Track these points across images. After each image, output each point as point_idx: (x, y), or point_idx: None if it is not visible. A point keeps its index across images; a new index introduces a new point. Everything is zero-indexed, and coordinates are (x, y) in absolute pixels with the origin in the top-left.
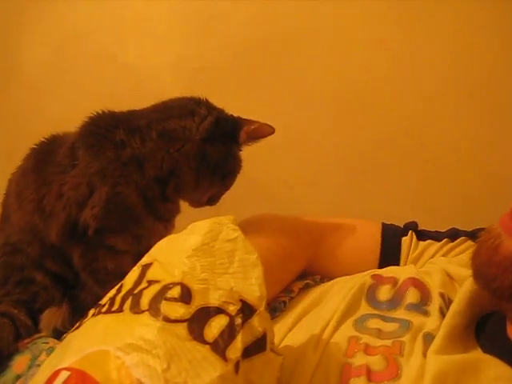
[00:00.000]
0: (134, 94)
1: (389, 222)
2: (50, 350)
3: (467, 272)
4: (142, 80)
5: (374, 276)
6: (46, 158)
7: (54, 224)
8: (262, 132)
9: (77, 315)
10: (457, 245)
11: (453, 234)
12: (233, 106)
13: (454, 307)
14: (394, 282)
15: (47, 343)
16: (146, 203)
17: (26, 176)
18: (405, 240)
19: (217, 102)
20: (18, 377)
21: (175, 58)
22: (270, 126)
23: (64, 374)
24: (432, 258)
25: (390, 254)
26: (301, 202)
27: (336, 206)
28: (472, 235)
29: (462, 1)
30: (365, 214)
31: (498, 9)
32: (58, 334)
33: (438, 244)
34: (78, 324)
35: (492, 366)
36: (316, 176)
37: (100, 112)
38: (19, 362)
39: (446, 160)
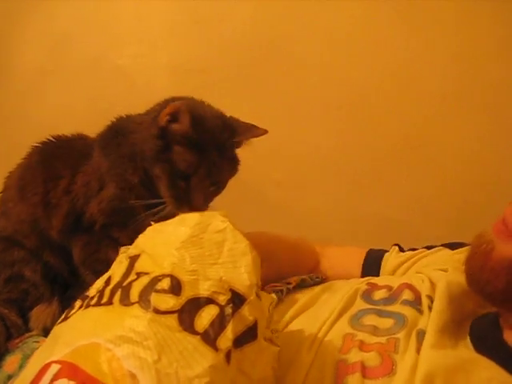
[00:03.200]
0: (128, 96)
1: (384, 226)
2: None
3: (441, 274)
4: (135, 82)
5: (369, 283)
6: (54, 153)
7: (56, 216)
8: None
9: None
10: (434, 252)
11: (430, 246)
12: (228, 108)
13: (435, 307)
14: (389, 288)
15: (38, 342)
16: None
17: (31, 170)
18: (387, 254)
19: (212, 103)
20: (10, 376)
21: (169, 59)
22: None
23: (54, 367)
24: (411, 258)
25: (372, 263)
26: (295, 204)
27: (330, 208)
28: (449, 246)
29: (463, 5)
30: (360, 216)
31: (499, 12)
32: (49, 333)
33: (416, 251)
34: (64, 316)
35: (484, 366)
36: (310, 178)
37: (120, 116)
38: (10, 362)
39: (443, 162)
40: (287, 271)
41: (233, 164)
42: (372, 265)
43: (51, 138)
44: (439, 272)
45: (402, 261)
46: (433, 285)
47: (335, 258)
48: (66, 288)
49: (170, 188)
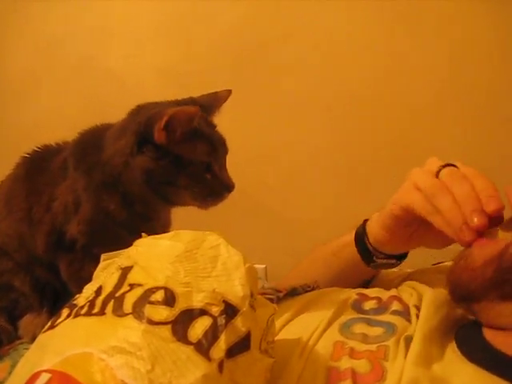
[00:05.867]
0: (117, 98)
1: None
2: None
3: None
4: (125, 84)
5: (359, 293)
6: (38, 167)
7: (40, 234)
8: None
9: None
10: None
11: None
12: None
13: (422, 315)
14: (378, 299)
15: (28, 349)
16: (129, 220)
17: (16, 184)
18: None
19: None
20: None
21: (159, 61)
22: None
23: (45, 376)
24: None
25: None
26: (287, 208)
27: (324, 212)
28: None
29: (457, 7)
30: (354, 220)
31: (494, 14)
32: None
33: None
34: (50, 323)
35: (467, 371)
36: (303, 182)
37: (90, 128)
38: (0, 369)
39: None
40: None
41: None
42: None
43: (38, 149)
44: (424, 286)
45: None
46: (420, 296)
47: None
48: (56, 298)
49: (199, 191)
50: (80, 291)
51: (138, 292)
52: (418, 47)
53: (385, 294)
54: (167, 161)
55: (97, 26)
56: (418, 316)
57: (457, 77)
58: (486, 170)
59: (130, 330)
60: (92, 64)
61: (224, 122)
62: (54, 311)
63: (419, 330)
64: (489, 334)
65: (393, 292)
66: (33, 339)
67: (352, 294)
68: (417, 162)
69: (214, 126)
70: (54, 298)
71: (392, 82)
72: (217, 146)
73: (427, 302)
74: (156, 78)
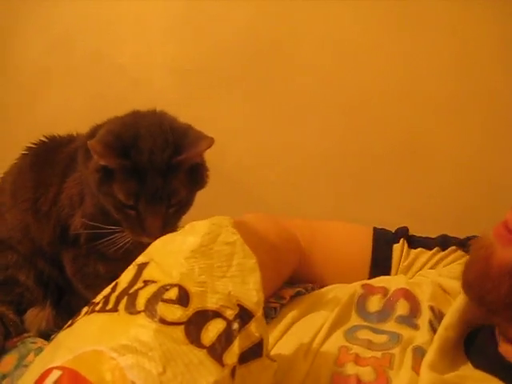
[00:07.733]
0: (128, 95)
1: (379, 227)
2: (39, 350)
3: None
4: (135, 81)
5: (364, 286)
6: (45, 157)
7: (45, 226)
8: None
9: (68, 320)
10: (447, 254)
11: (444, 242)
12: (225, 108)
13: (446, 320)
14: (384, 291)
15: (35, 343)
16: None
17: (22, 174)
18: (396, 247)
19: (209, 104)
20: (4, 376)
21: (169, 58)
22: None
23: (56, 373)
24: (423, 266)
25: (381, 261)
26: (289, 205)
27: (325, 210)
28: (463, 244)
29: (462, 10)
30: (353, 217)
31: (499, 16)
32: (45, 335)
33: (430, 253)
34: (70, 322)
35: (482, 382)
36: (306, 180)
37: (103, 122)
38: (6, 362)
39: (441, 167)
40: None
41: (190, 181)
42: (383, 262)
43: (44, 139)
44: (454, 281)
45: (419, 266)
46: (445, 293)
47: (333, 247)
48: (60, 292)
49: (121, 219)
50: (84, 287)
51: (151, 289)
52: (428, 47)
53: (392, 284)
54: (97, 176)
55: (108, 23)
56: (430, 322)
57: (466, 77)
58: (493, 171)
59: (142, 329)
60: (103, 61)
61: (233, 120)
62: (58, 305)
63: (435, 341)
64: (504, 348)
65: (401, 283)
66: (38, 332)
67: (357, 287)
68: (421, 164)
69: (172, 169)
70: (58, 292)
71: (400, 83)
72: (150, 192)
73: (455, 308)
74: (167, 76)
